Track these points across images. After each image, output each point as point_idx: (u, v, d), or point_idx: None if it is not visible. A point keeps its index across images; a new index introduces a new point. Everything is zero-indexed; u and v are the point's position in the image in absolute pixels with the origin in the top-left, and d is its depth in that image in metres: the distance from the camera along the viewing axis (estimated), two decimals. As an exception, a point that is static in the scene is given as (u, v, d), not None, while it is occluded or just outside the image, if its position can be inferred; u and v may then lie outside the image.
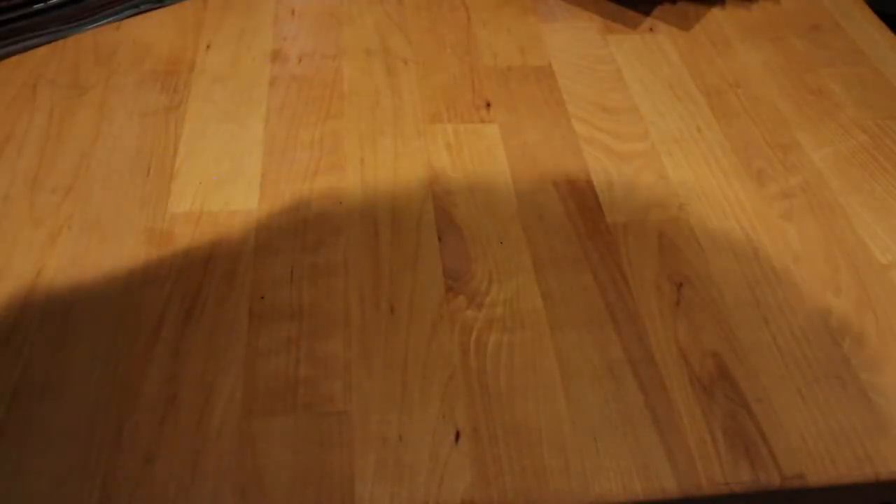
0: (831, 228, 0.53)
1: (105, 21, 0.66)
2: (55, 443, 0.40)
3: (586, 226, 0.52)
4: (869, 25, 0.70)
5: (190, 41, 0.65)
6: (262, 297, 0.47)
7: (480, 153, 0.57)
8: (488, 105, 0.61)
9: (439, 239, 0.51)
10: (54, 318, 0.45)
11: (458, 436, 0.42)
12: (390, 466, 0.40)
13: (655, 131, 0.59)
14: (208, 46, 0.65)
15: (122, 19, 0.67)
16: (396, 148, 0.57)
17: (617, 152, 0.57)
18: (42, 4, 0.62)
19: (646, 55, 0.66)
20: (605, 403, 0.43)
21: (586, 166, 0.56)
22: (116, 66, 0.62)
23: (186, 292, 0.47)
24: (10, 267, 0.48)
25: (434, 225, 0.52)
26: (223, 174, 0.54)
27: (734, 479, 0.40)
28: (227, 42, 0.65)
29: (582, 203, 0.53)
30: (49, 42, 0.64)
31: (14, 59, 0.62)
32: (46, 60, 0.62)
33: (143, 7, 0.67)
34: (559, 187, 0.55)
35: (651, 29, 0.69)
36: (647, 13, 0.70)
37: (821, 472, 0.40)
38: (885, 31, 0.70)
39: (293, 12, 0.69)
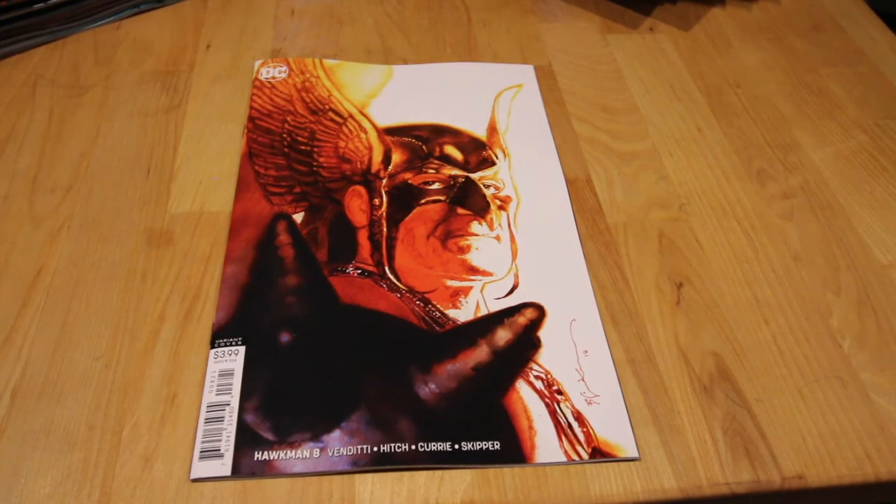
0: (831, 228, 0.53)
1: (105, 21, 0.66)
2: (55, 443, 0.40)
3: (586, 226, 0.52)
4: (869, 25, 0.70)
5: (190, 41, 0.65)
6: (262, 297, 0.47)
7: (480, 153, 0.57)
8: (488, 105, 0.61)
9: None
10: (54, 318, 0.45)
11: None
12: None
13: (655, 131, 0.59)
14: (208, 46, 0.65)
15: (122, 19, 0.67)
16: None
17: (617, 152, 0.57)
18: (42, 4, 0.62)
19: (646, 55, 0.66)
20: (605, 403, 0.43)
21: (586, 166, 0.56)
22: (116, 66, 0.62)
23: (186, 292, 0.47)
24: (10, 267, 0.48)
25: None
26: (223, 174, 0.54)
27: (734, 480, 0.40)
28: (227, 42, 0.65)
29: (582, 203, 0.53)
30: (49, 42, 0.64)
31: (14, 58, 0.62)
32: (46, 60, 0.62)
33: (143, 7, 0.67)
34: (559, 187, 0.55)
35: (651, 29, 0.69)
36: (647, 13, 0.70)
37: (821, 473, 0.40)
38: (885, 31, 0.70)
39: (293, 12, 0.69)
